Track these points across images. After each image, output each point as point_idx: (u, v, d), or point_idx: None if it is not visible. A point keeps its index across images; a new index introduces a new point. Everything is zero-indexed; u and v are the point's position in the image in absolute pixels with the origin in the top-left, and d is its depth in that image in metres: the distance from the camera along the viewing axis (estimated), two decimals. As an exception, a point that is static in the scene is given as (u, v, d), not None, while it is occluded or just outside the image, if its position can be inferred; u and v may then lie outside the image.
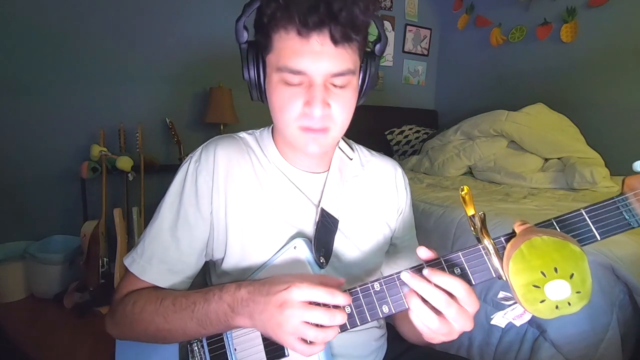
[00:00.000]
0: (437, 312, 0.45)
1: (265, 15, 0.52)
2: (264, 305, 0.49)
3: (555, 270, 0.40)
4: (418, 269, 0.48)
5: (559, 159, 2.10)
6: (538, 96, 2.43)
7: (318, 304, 0.48)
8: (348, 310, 0.50)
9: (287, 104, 0.55)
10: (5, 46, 1.87)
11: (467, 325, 0.45)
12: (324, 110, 0.54)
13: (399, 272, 0.49)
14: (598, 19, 2.25)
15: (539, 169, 2.14)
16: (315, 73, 0.52)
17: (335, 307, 0.49)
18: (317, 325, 0.47)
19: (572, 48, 2.39)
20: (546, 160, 2.15)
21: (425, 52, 3.35)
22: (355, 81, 0.57)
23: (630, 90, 2.13)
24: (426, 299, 0.45)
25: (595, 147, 2.07)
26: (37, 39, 1.92)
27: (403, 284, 0.49)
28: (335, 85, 0.55)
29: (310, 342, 0.48)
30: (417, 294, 0.46)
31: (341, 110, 0.56)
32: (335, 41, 0.51)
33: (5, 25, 1.85)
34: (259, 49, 0.56)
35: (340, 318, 0.47)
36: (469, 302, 0.45)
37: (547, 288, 0.40)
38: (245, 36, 0.56)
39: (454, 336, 0.47)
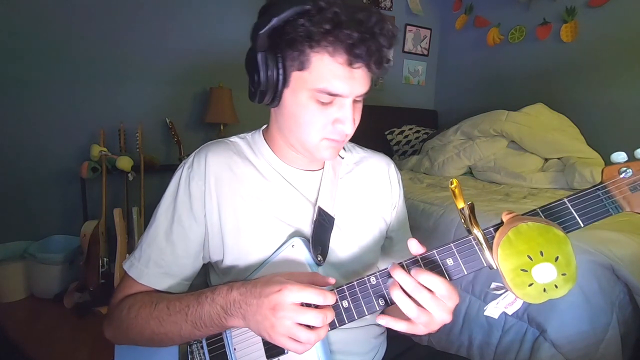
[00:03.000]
0: (418, 303, 0.48)
1: (304, 34, 0.52)
2: (257, 307, 0.50)
3: (541, 253, 0.42)
4: (413, 261, 0.50)
5: (559, 159, 2.09)
6: (538, 96, 2.43)
7: (309, 305, 0.50)
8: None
9: (317, 118, 0.57)
10: (5, 46, 1.88)
11: (446, 317, 0.48)
12: (353, 128, 0.58)
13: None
14: (598, 19, 2.25)
15: (539, 169, 2.13)
16: (350, 95, 0.56)
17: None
18: (308, 325, 0.49)
19: (572, 48, 2.39)
20: (546, 160, 2.15)
21: (425, 52, 3.36)
22: None
23: (630, 90, 2.13)
24: (406, 291, 0.48)
25: (595, 147, 2.06)
26: (37, 39, 1.94)
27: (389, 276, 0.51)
28: (356, 101, 0.59)
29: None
30: (400, 286, 0.48)
31: (357, 121, 0.61)
32: (370, 69, 0.56)
33: (5, 25, 1.86)
34: (282, 61, 0.55)
35: (330, 317, 0.49)
36: (448, 295, 0.47)
37: (534, 271, 0.42)
38: (266, 46, 0.55)
39: (434, 327, 0.49)
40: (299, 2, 0.51)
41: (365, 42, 0.52)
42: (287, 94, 0.58)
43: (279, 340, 0.49)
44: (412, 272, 0.48)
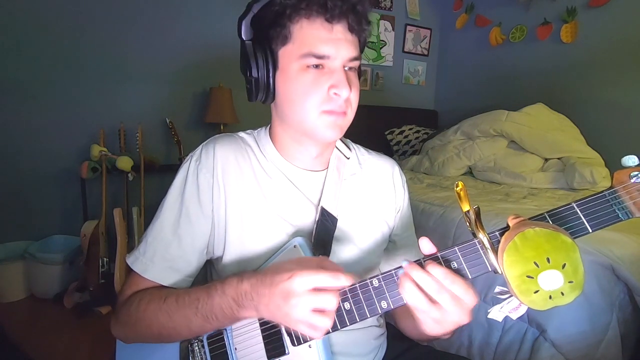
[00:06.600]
0: (431, 299, 0.46)
1: (281, 8, 0.56)
2: (269, 297, 0.49)
3: (548, 260, 0.41)
4: (417, 264, 0.49)
5: (559, 159, 2.10)
6: (538, 96, 2.43)
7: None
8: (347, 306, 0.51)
9: (311, 89, 0.57)
10: (5, 46, 1.87)
11: (463, 317, 0.46)
12: (350, 92, 0.58)
13: (397, 268, 0.50)
14: (598, 20, 2.25)
15: (539, 169, 2.14)
16: (338, 57, 0.57)
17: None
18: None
19: (572, 48, 2.39)
20: (546, 160, 2.15)
21: (425, 52, 3.36)
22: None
23: (630, 90, 2.13)
24: (419, 284, 0.46)
25: (595, 147, 2.07)
26: (37, 39, 1.93)
27: (399, 272, 0.50)
28: (349, 70, 0.59)
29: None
30: (411, 278, 0.47)
31: (355, 93, 0.60)
32: (352, 30, 0.57)
33: (5, 25, 1.86)
34: (268, 44, 0.59)
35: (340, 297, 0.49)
36: (465, 294, 0.46)
37: (540, 278, 0.41)
38: (251, 33, 0.58)
39: (448, 326, 0.47)
40: None
41: (339, 1, 0.55)
42: (279, 78, 0.60)
43: (296, 327, 0.48)
44: (431, 269, 0.46)
